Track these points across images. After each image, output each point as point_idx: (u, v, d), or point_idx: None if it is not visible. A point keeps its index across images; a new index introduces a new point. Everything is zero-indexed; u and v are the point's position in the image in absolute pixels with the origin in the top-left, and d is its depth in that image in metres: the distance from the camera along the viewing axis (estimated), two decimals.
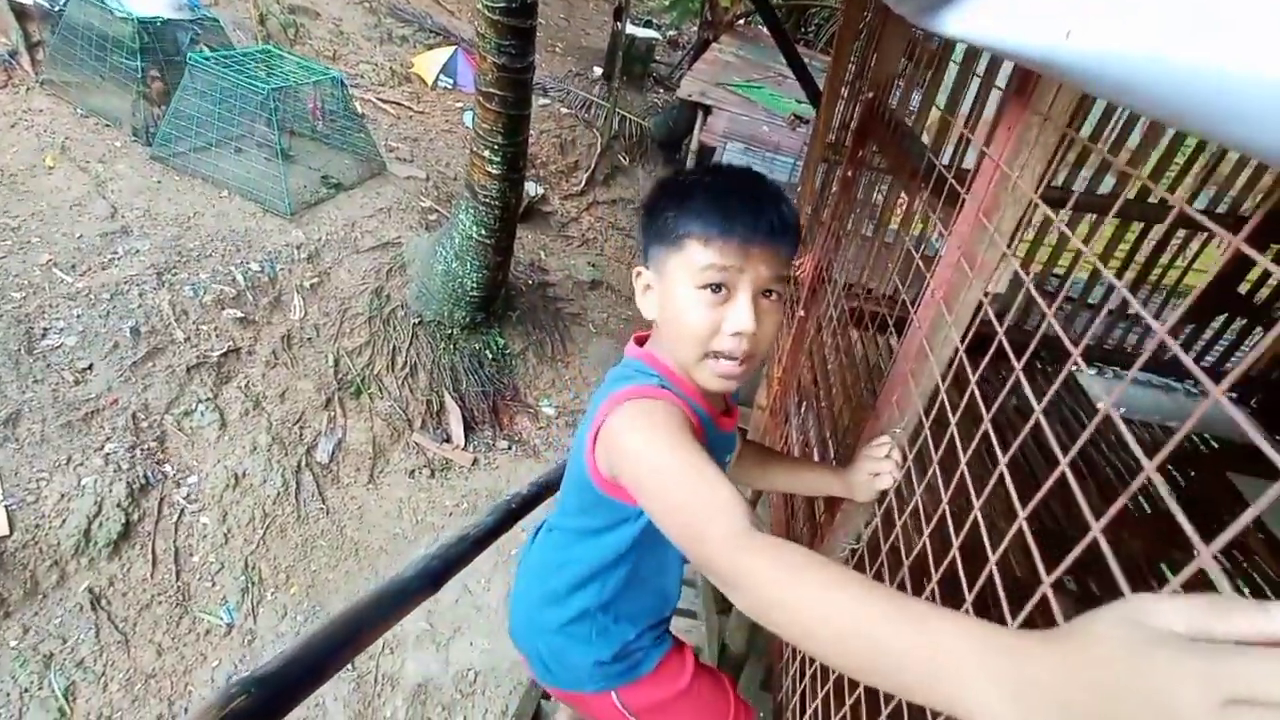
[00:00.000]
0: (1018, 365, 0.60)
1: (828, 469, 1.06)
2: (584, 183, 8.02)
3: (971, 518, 0.66)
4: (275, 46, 6.28)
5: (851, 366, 1.62)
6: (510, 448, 5.05)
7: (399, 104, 7.60)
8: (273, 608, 3.44)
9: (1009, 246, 0.84)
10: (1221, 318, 2.90)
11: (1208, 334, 2.96)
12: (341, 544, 3.86)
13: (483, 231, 4.61)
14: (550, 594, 0.94)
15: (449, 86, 8.33)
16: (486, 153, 4.24)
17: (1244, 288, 2.87)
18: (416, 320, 4.98)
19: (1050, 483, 0.50)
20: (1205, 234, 2.84)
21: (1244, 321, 2.87)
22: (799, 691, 1.26)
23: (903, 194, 2.14)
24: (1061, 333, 0.58)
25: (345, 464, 4.20)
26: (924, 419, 0.93)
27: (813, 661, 1.19)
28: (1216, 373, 2.85)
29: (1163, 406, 2.72)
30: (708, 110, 5.38)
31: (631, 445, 0.70)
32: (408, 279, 5.06)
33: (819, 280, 2.06)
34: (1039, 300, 0.70)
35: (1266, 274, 2.90)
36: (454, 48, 8.51)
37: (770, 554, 0.51)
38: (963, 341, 0.87)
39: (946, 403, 0.87)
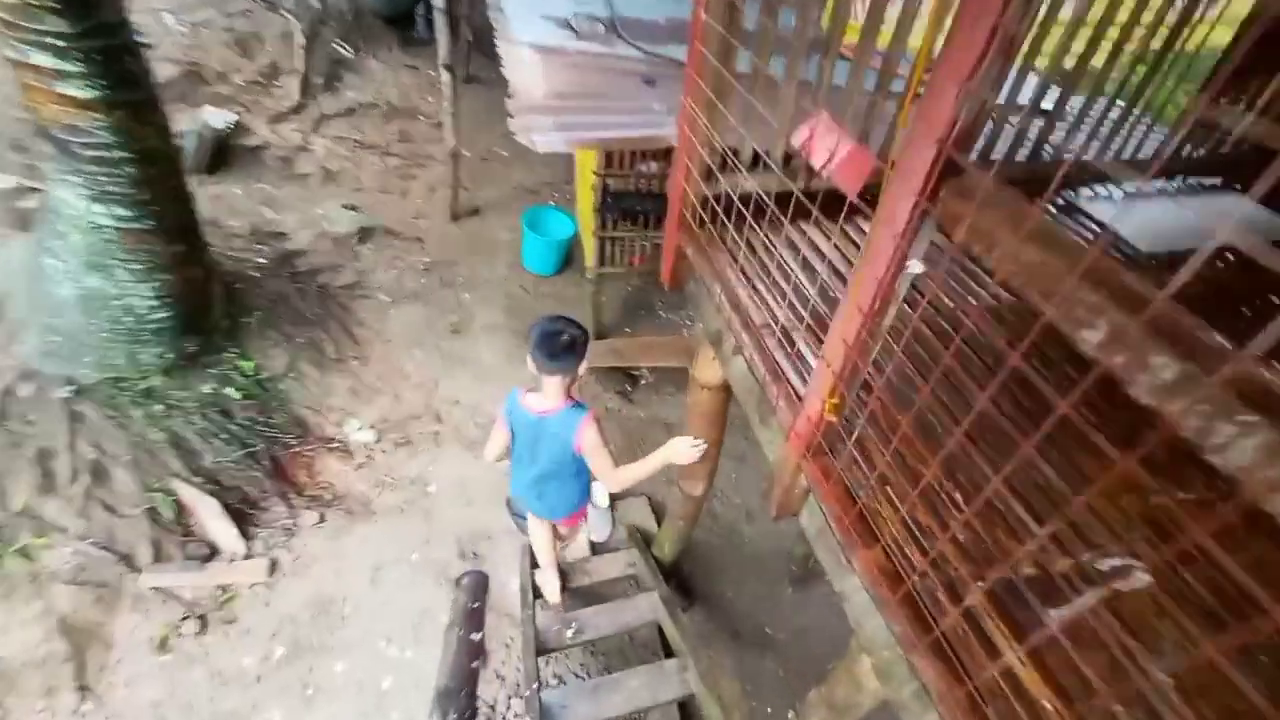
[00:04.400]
0: None
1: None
2: (298, 93, 5.61)
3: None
4: None
5: None
6: (322, 517, 3.37)
7: None
8: None
9: None
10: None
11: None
12: None
13: (120, 211, 2.57)
14: (574, 479, 2.31)
15: None
16: (46, 60, 2.14)
17: None
18: (69, 390, 2.89)
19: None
20: None
21: None
22: None
23: None
24: None
25: (19, 702, 2.32)
26: None
27: None
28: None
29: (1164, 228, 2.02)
30: None
31: (594, 439, 2.11)
32: (14, 328, 2.87)
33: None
34: None
35: None
36: None
37: (621, 473, 2.13)
38: None
39: None
